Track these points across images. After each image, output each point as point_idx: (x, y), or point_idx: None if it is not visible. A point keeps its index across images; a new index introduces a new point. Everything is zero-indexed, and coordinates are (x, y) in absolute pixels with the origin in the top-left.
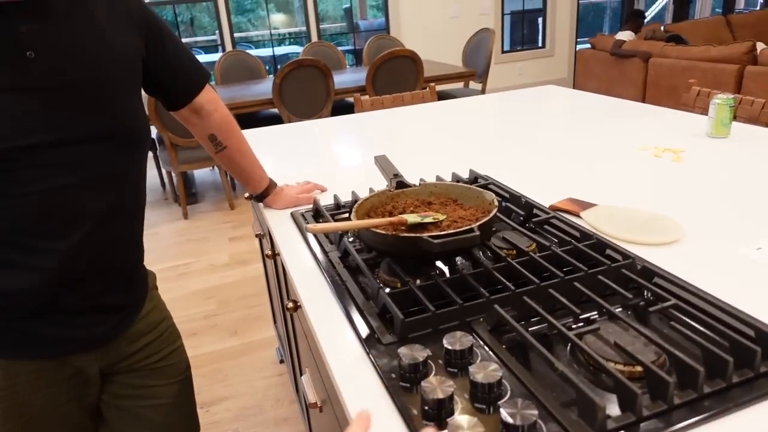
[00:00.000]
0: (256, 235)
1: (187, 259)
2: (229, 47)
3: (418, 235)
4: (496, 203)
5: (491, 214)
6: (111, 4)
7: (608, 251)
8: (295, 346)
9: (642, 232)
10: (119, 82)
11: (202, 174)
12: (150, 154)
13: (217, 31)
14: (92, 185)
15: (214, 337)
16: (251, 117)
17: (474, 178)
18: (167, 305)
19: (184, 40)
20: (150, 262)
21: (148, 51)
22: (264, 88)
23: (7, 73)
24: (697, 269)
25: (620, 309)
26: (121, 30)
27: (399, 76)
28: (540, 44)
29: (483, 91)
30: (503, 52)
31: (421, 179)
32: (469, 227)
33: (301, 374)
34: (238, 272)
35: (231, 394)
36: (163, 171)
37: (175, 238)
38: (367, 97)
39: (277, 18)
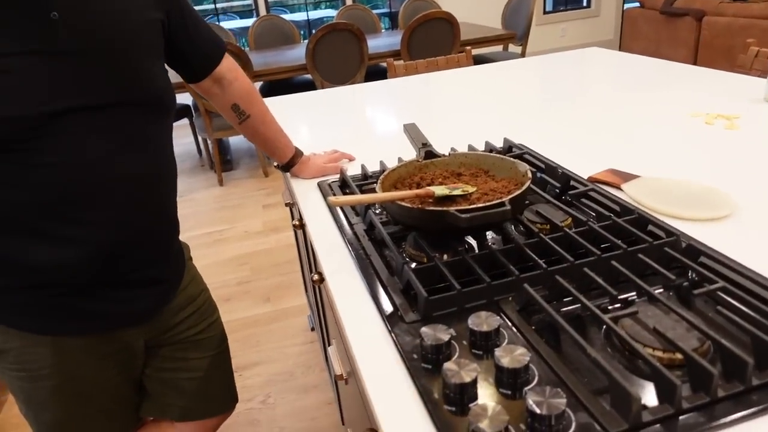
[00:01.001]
0: (286, 204)
1: (222, 226)
2: (263, 11)
3: (445, 208)
4: (530, 175)
5: (524, 187)
6: None
7: (650, 227)
8: (323, 316)
9: (689, 207)
10: (143, 47)
11: (237, 141)
12: (186, 121)
13: None
14: (127, 150)
15: (248, 303)
16: (285, 83)
17: (508, 148)
18: (202, 272)
19: (219, 5)
20: (186, 228)
21: (169, 23)
22: (298, 53)
23: (32, 34)
24: (750, 248)
25: (661, 290)
26: (143, 2)
27: (435, 40)
28: (585, 3)
29: (523, 54)
30: (545, 12)
31: (452, 149)
32: (499, 201)
33: (328, 344)
34: (272, 239)
35: (263, 360)
36: (199, 138)
37: (210, 205)
38: (400, 62)
39: None
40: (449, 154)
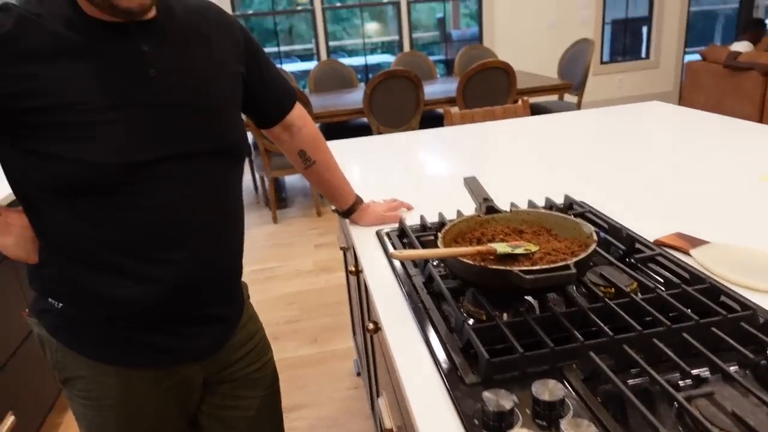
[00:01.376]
0: (341, 248)
1: (274, 263)
2: (324, 55)
3: (508, 268)
4: (595, 237)
5: (589, 250)
6: (220, 29)
7: (723, 298)
8: (373, 364)
9: (764, 278)
10: (226, 101)
11: (292, 180)
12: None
13: (313, 40)
14: (203, 196)
15: (295, 342)
16: (342, 126)
17: (569, 205)
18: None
19: (282, 49)
20: None
21: (248, 74)
22: (355, 97)
23: (132, 89)
24: None
25: (737, 368)
26: (229, 54)
27: (491, 88)
28: (643, 55)
29: (579, 104)
30: (602, 62)
31: (512, 203)
32: (564, 264)
33: (377, 395)
34: (322, 279)
35: (307, 403)
36: (257, 175)
37: (263, 242)
38: (456, 109)
39: (371, 27)
40: (511, 210)
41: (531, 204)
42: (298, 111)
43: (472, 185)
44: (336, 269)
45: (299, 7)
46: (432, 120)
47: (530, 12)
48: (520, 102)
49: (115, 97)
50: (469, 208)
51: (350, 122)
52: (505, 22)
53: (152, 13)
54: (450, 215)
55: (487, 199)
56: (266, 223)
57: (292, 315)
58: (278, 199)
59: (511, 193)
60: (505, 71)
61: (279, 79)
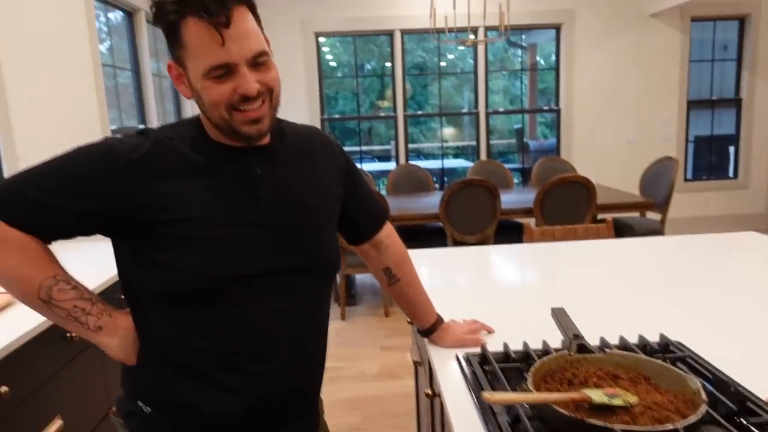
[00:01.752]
0: (414, 362)
1: (339, 363)
2: (402, 159)
3: (609, 425)
4: (704, 396)
5: (700, 413)
6: (324, 153)
7: None
8: None
9: None
10: (326, 220)
11: (362, 277)
12: None
13: (392, 142)
14: (296, 311)
15: None
16: (416, 229)
17: (665, 346)
18: None
19: (363, 148)
20: None
21: (346, 194)
22: (431, 201)
23: (245, 207)
24: None
25: None
26: (331, 176)
27: (570, 201)
28: (731, 174)
29: (662, 222)
30: (686, 180)
31: (602, 339)
32: (673, 428)
33: None
34: (387, 385)
35: None
36: None
37: (331, 338)
38: (532, 222)
39: (447, 131)
40: (603, 349)
41: (622, 341)
42: (387, 229)
43: (561, 318)
44: (402, 376)
45: (382, 113)
46: (507, 229)
47: (609, 127)
48: (604, 223)
49: (230, 214)
50: (555, 338)
51: (425, 226)
52: (583, 136)
53: (267, 139)
54: (534, 344)
55: (577, 336)
56: (334, 319)
57: (355, 422)
58: (348, 295)
59: (600, 325)
60: (585, 186)
61: (372, 198)
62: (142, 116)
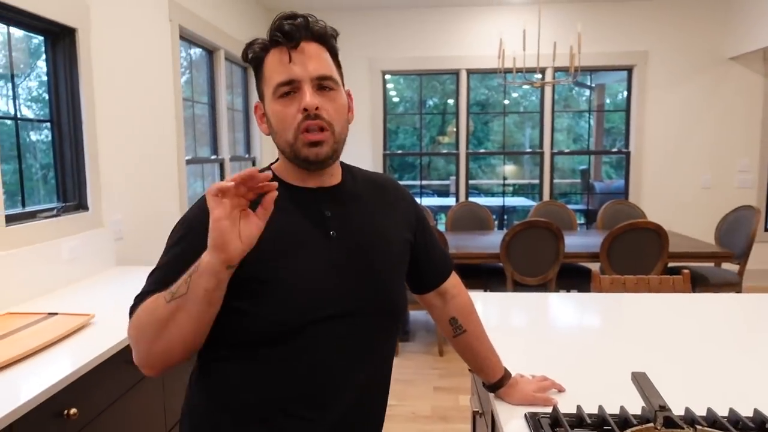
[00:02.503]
0: (474, 412)
1: (391, 401)
2: (463, 196)
3: None
4: None
5: None
6: (396, 200)
7: None
8: None
9: None
10: (396, 266)
11: (416, 314)
12: None
13: (452, 178)
14: (360, 358)
15: None
16: (474, 268)
17: (760, 424)
18: None
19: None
20: None
21: (415, 242)
22: (491, 240)
23: (316, 250)
24: None
25: None
26: (401, 223)
27: (639, 248)
28: None
29: (740, 274)
30: (766, 229)
31: (687, 409)
32: None
33: None
34: (439, 429)
35: None
36: None
37: None
38: (605, 275)
39: (508, 168)
40: (694, 426)
41: (710, 414)
42: (453, 279)
43: (643, 383)
44: (455, 419)
45: (442, 149)
46: (571, 273)
47: (682, 171)
48: (681, 276)
49: (301, 256)
50: (634, 404)
51: (483, 265)
52: (653, 179)
53: (336, 180)
54: (612, 408)
55: (663, 408)
56: None
57: None
58: (402, 331)
59: (684, 392)
60: (657, 233)
61: (439, 247)
62: (215, 145)
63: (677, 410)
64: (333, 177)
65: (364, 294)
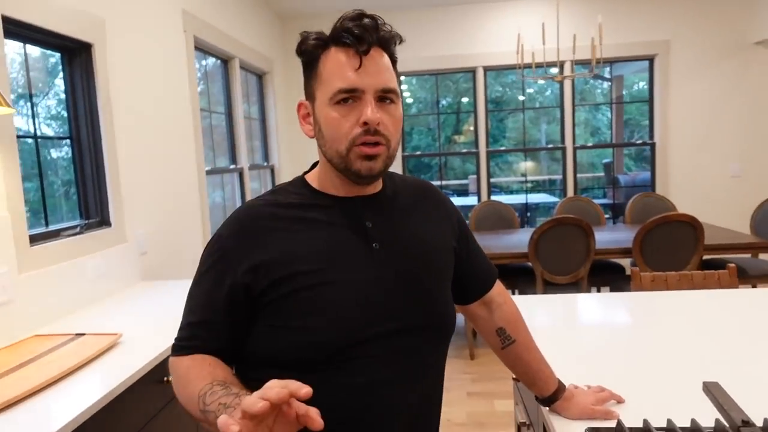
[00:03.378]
0: (520, 423)
1: None
2: (485, 195)
3: None
4: None
5: None
6: (438, 206)
7: None
8: None
9: None
10: (443, 275)
11: None
12: None
13: (471, 177)
14: (409, 377)
15: None
16: (501, 268)
17: None
18: None
19: (441, 183)
20: None
21: (458, 249)
22: (517, 238)
23: (359, 265)
24: None
25: None
26: (443, 228)
27: (673, 242)
28: None
29: None
30: None
31: (766, 419)
32: None
33: None
34: None
35: None
36: None
37: None
38: (645, 272)
39: (525, 165)
40: None
41: None
42: (498, 287)
43: (718, 395)
44: (491, 426)
45: (460, 148)
46: (602, 269)
47: (710, 160)
48: (726, 270)
49: (344, 269)
50: (705, 415)
51: (510, 265)
52: (681, 170)
53: (376, 188)
54: (682, 421)
55: (747, 423)
56: None
57: None
58: None
59: (760, 402)
60: (692, 225)
61: (482, 255)
62: (233, 155)
63: (756, 418)
64: (374, 185)
65: (413, 308)
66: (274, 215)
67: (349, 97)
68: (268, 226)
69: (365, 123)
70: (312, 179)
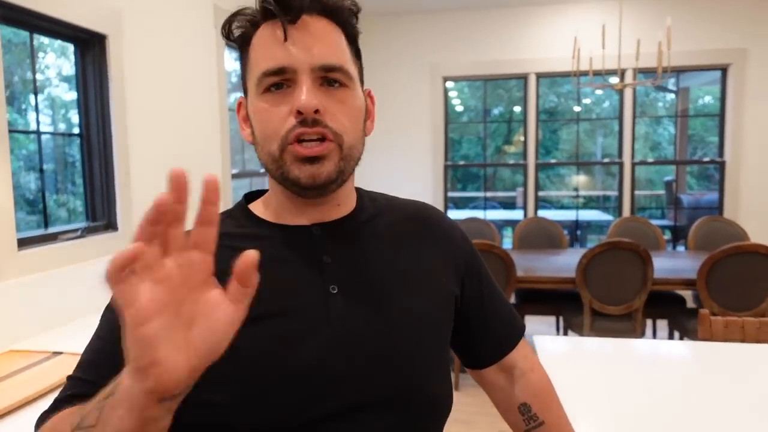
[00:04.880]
0: None
1: None
2: (531, 211)
3: None
4: None
5: None
6: (438, 240)
7: None
8: None
9: None
10: (429, 334)
11: None
12: None
13: (518, 189)
14: None
15: None
16: (545, 293)
17: None
18: None
19: (486, 194)
20: None
21: (464, 297)
22: (564, 261)
23: (309, 316)
24: None
25: None
26: (443, 269)
27: (745, 275)
28: None
29: None
30: None
31: None
32: None
33: None
34: None
35: None
36: None
37: None
38: (715, 316)
39: (578, 179)
40: None
41: None
42: (523, 348)
43: None
44: None
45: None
46: (659, 301)
47: None
48: None
49: (285, 323)
50: None
51: (555, 291)
52: (754, 193)
53: (345, 210)
54: None
55: None
56: None
57: None
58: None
59: None
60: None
61: (502, 304)
62: None
63: None
64: (341, 207)
65: (383, 378)
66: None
67: (279, 81)
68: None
69: (298, 112)
70: (257, 204)
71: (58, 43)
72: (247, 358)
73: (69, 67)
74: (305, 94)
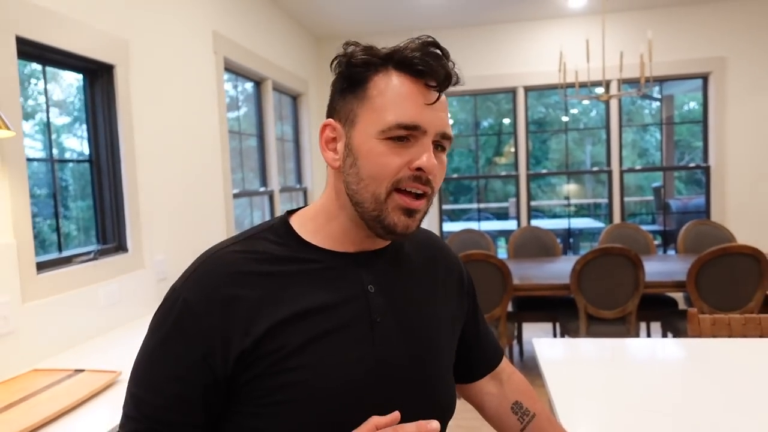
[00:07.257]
0: None
1: None
2: (524, 217)
3: None
4: None
5: None
6: (449, 270)
7: None
8: None
9: None
10: (447, 353)
11: None
12: None
13: (511, 200)
14: None
15: None
16: (540, 300)
17: None
18: None
19: (480, 206)
20: None
21: (468, 321)
22: (559, 268)
23: (356, 342)
24: None
25: None
26: (452, 295)
27: (732, 276)
28: None
29: None
30: None
31: None
32: None
33: None
34: None
35: None
36: None
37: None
38: (704, 314)
39: (569, 188)
40: None
41: None
42: (504, 363)
43: None
44: None
45: (500, 170)
46: (652, 304)
47: None
48: None
49: (334, 349)
50: None
51: (550, 297)
52: (740, 196)
53: (382, 242)
54: None
55: None
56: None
57: None
58: None
59: None
60: (755, 258)
61: (488, 328)
62: (264, 177)
63: None
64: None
65: (417, 400)
66: (251, 272)
67: (406, 135)
68: (240, 287)
69: (419, 169)
70: (303, 224)
71: (48, 69)
72: (301, 384)
73: (60, 92)
74: (430, 156)
